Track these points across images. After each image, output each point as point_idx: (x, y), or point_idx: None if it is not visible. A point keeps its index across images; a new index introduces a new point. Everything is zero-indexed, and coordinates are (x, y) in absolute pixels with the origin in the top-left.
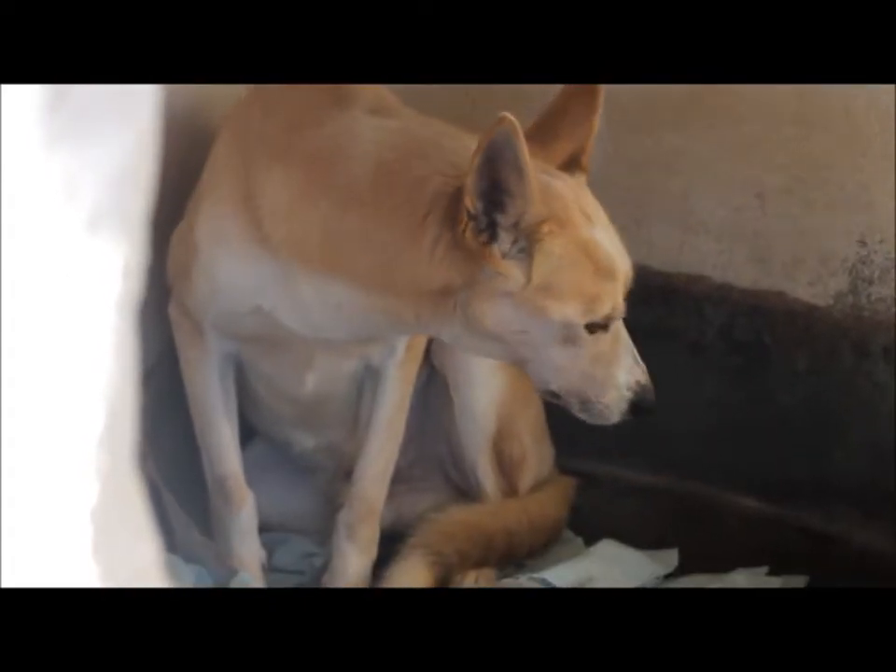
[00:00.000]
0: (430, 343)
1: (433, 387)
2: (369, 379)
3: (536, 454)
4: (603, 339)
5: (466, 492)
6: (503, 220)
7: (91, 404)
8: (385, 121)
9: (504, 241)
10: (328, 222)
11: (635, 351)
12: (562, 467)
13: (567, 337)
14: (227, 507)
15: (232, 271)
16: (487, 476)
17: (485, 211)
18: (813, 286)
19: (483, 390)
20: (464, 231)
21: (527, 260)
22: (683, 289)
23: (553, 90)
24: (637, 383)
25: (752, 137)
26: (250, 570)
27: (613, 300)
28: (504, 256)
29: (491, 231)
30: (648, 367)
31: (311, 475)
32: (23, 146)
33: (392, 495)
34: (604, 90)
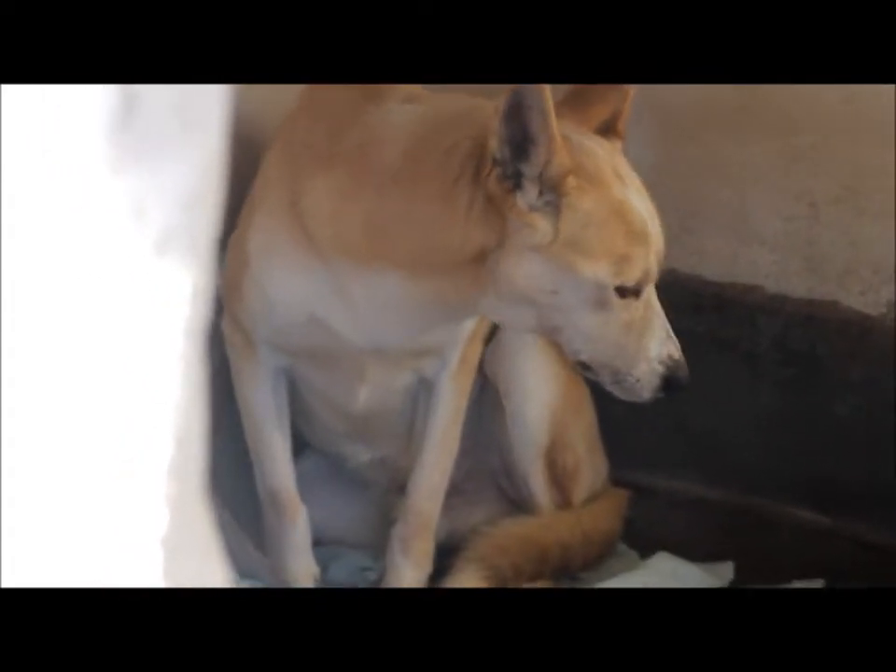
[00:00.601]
0: (483, 352)
1: (486, 398)
2: (422, 392)
3: (589, 465)
4: (634, 306)
5: (519, 504)
6: (528, 169)
7: (161, 431)
8: (417, 106)
9: (529, 191)
10: (369, 212)
11: (668, 324)
12: (616, 479)
13: (598, 300)
14: (280, 521)
15: (284, 281)
16: (540, 488)
17: (511, 160)
18: (865, 295)
19: (536, 400)
20: (488, 175)
21: (555, 214)
22: (737, 299)
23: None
24: (670, 357)
25: (803, 146)
26: (304, 585)
27: (645, 264)
28: (531, 208)
29: (516, 179)
30: (701, 377)
31: (364, 489)
32: (91, 167)
33: (446, 508)
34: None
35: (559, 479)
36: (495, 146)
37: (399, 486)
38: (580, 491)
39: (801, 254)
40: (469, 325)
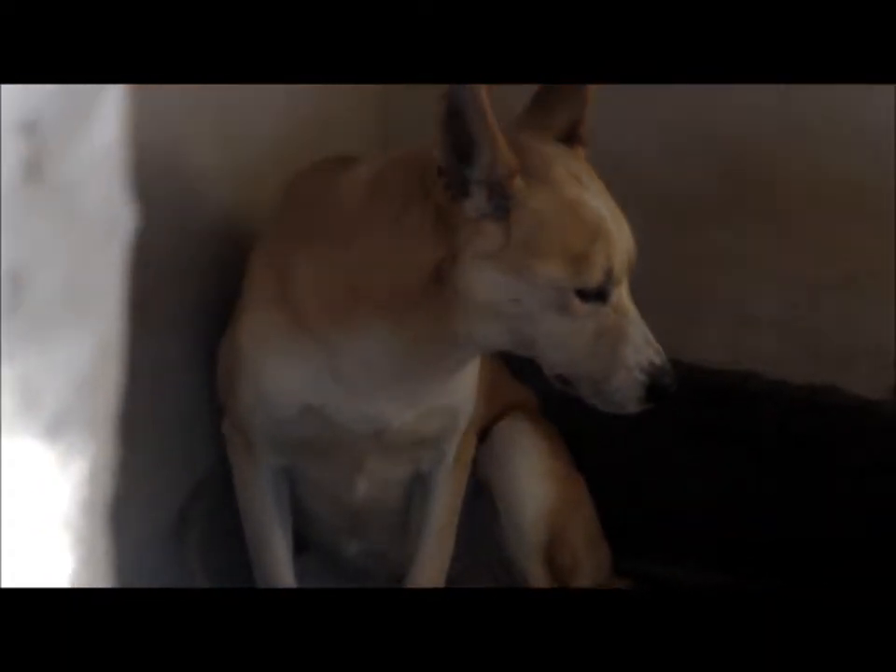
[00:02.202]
0: (476, 453)
1: (480, 498)
2: (418, 488)
3: (590, 559)
4: (603, 312)
5: None
6: (473, 174)
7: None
8: (377, 160)
9: (477, 196)
10: (345, 270)
11: (647, 330)
12: (619, 569)
13: (560, 304)
14: None
15: (277, 368)
16: (540, 586)
17: (457, 166)
18: (868, 380)
19: (531, 502)
20: (434, 185)
21: (505, 218)
22: (737, 387)
23: None
24: (652, 363)
25: (802, 231)
26: None
27: (606, 265)
28: (481, 215)
29: (464, 187)
30: (702, 464)
31: (361, 582)
32: None
33: None
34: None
35: (558, 576)
36: (439, 155)
37: (394, 579)
38: (580, 586)
39: (801, 340)
40: (465, 414)
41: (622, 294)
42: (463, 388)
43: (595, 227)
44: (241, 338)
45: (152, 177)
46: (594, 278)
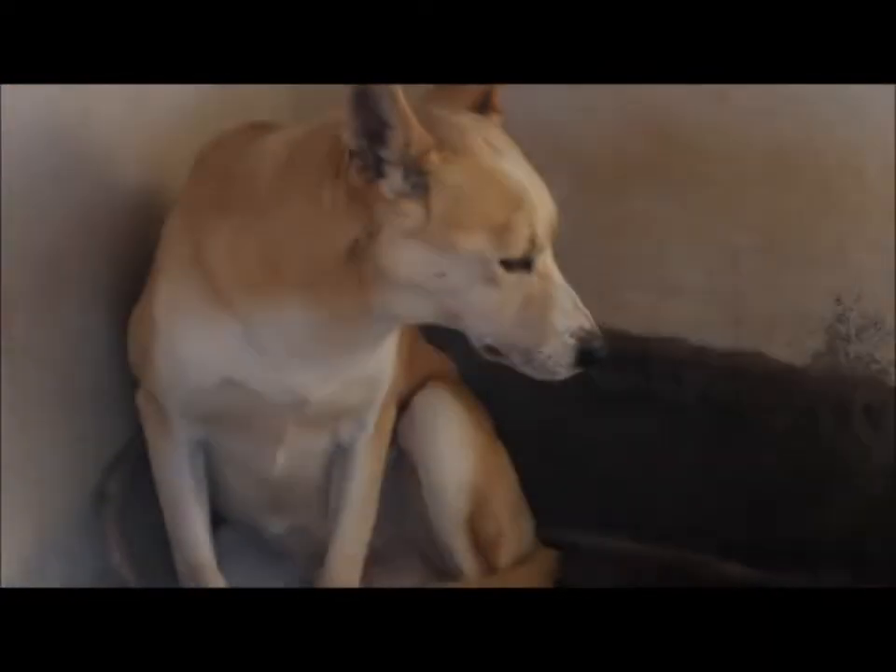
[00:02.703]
0: (397, 423)
1: (402, 468)
2: (338, 459)
3: (514, 529)
4: (528, 280)
5: (444, 572)
6: (387, 154)
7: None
8: (287, 130)
9: (393, 176)
10: (258, 240)
11: (574, 295)
12: (544, 537)
13: (485, 276)
14: None
15: (194, 340)
16: (464, 556)
17: (369, 148)
18: (790, 346)
19: (452, 471)
20: (348, 168)
21: (424, 195)
22: (660, 353)
23: None
24: (581, 328)
25: (723, 198)
26: None
27: (529, 233)
28: (398, 194)
29: (378, 168)
30: (626, 432)
31: (283, 559)
32: None
33: (367, 577)
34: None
35: (483, 547)
36: (347, 137)
37: (318, 556)
38: (504, 556)
39: (724, 306)
40: (384, 384)
41: (546, 261)
42: (382, 359)
43: (515, 196)
44: (155, 309)
45: (62, 147)
46: (518, 247)
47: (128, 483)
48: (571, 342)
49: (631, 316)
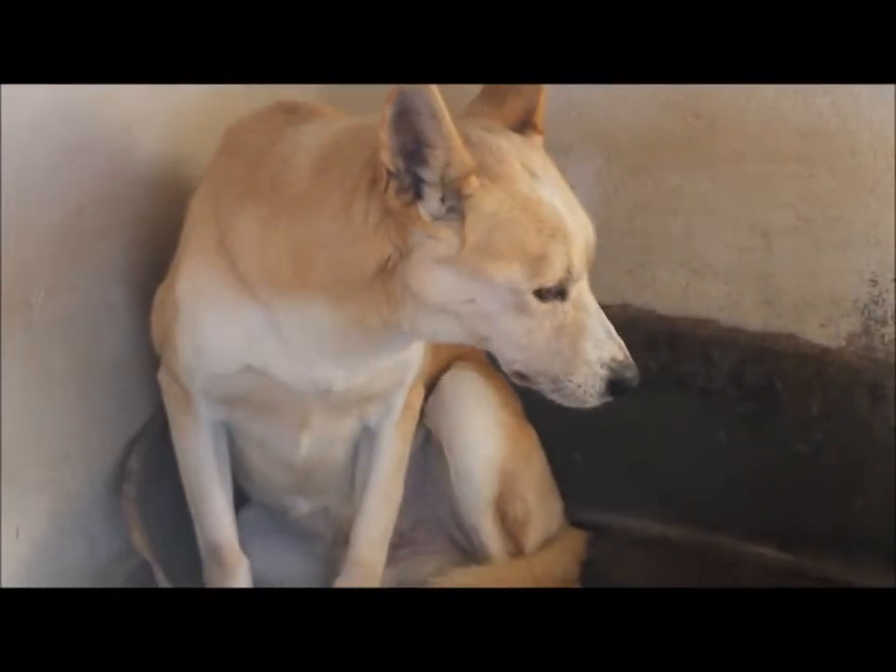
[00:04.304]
0: (424, 403)
1: (431, 447)
2: (365, 441)
3: (541, 511)
4: (562, 309)
5: (470, 554)
6: (427, 175)
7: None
8: (325, 125)
9: (431, 199)
10: (288, 238)
11: (608, 324)
12: (573, 519)
13: (518, 305)
14: (221, 575)
15: (217, 324)
16: (491, 538)
17: (408, 169)
18: (824, 327)
19: (480, 452)
20: (385, 189)
21: (460, 220)
22: (690, 334)
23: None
24: (613, 359)
25: (755, 177)
26: None
27: (565, 262)
28: (435, 217)
29: (416, 189)
30: (656, 413)
31: (308, 540)
32: None
33: (394, 559)
34: None
35: (510, 528)
36: (386, 158)
37: (343, 537)
38: (532, 538)
39: (755, 286)
40: (414, 369)
41: (581, 289)
42: (412, 344)
43: (551, 225)
44: (178, 291)
45: (81, 123)
46: (552, 277)
47: (148, 461)
48: (602, 372)
49: (661, 296)
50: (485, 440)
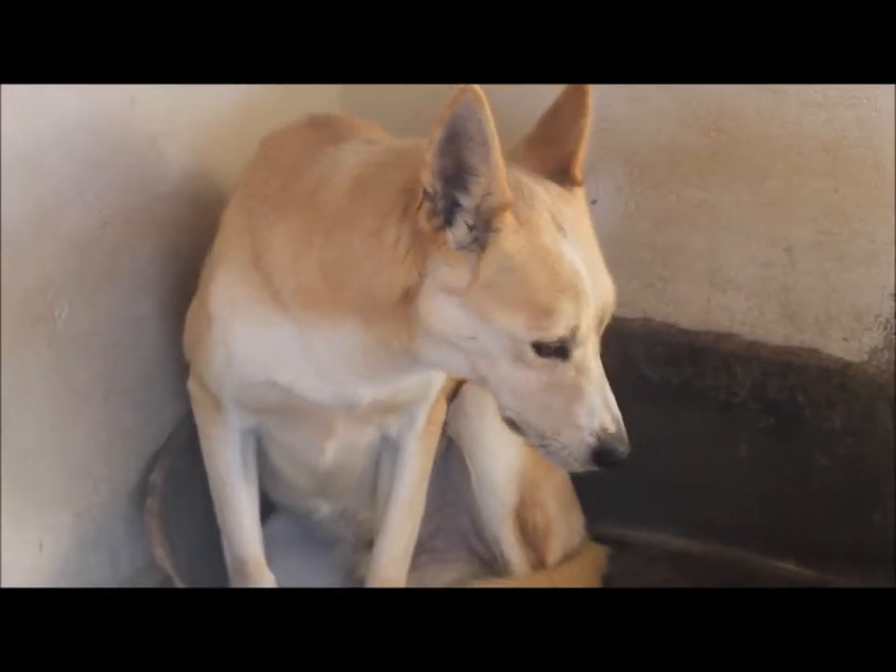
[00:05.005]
0: (447, 413)
1: (453, 456)
2: (387, 451)
3: (563, 522)
4: (563, 368)
5: (491, 564)
6: (465, 201)
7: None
8: (372, 145)
9: (460, 226)
10: (323, 256)
11: (609, 393)
12: (594, 533)
13: (516, 354)
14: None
15: (249, 337)
16: (512, 548)
17: (445, 193)
18: (847, 342)
19: (501, 460)
20: (418, 209)
21: (478, 254)
22: (712, 348)
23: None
24: (605, 430)
25: (778, 191)
26: None
27: (573, 321)
28: (458, 246)
29: (448, 215)
30: (678, 427)
31: (331, 547)
32: None
33: (415, 567)
34: (593, 90)
35: (531, 539)
36: (426, 179)
37: (365, 542)
38: (554, 550)
39: (777, 301)
40: (437, 383)
41: (587, 353)
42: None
43: (566, 282)
44: (212, 301)
45: (107, 135)
46: (554, 334)
47: (171, 475)
48: (590, 440)
49: (683, 310)
50: (507, 448)
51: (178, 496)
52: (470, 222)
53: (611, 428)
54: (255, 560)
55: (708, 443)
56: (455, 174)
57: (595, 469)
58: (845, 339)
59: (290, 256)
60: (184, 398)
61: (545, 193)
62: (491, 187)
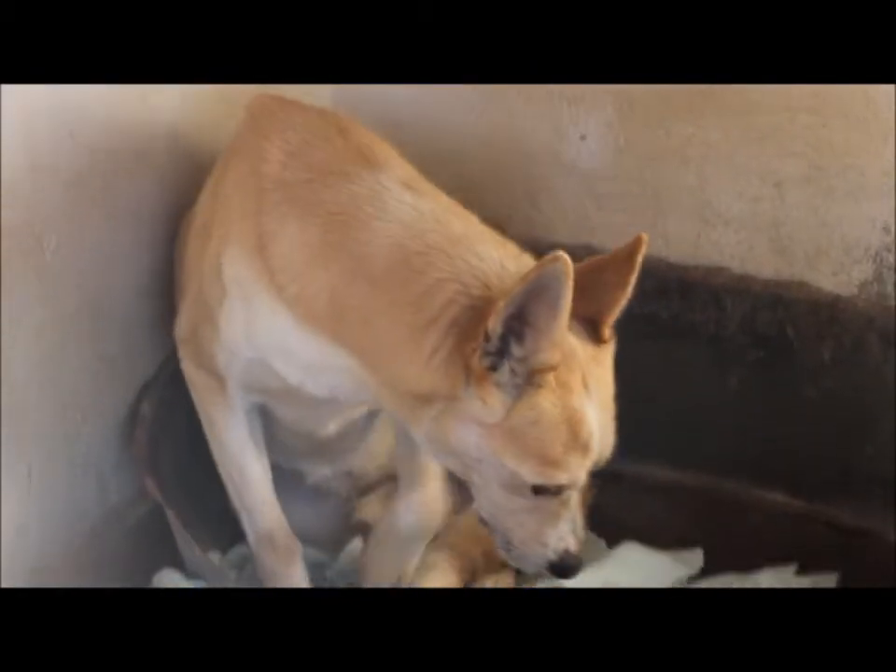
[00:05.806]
0: None
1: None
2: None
3: None
4: (549, 501)
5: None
6: (517, 351)
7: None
8: (417, 200)
9: (505, 372)
10: (336, 288)
11: (578, 520)
12: None
13: (514, 487)
14: (276, 560)
15: (254, 322)
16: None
17: (502, 337)
18: (836, 275)
19: None
20: (474, 350)
21: (513, 399)
22: (702, 282)
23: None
24: (567, 551)
25: (768, 126)
26: None
27: (575, 474)
28: (497, 385)
29: (498, 357)
30: (668, 360)
31: (322, 496)
32: None
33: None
34: (640, 262)
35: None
36: (494, 324)
37: (360, 493)
38: None
39: (768, 234)
40: None
41: (573, 493)
42: None
43: (580, 442)
44: (227, 273)
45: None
46: (556, 482)
47: (160, 406)
48: (552, 556)
49: (672, 244)
50: None
51: (167, 426)
52: (516, 370)
53: (573, 549)
54: (283, 530)
55: (698, 376)
56: (517, 323)
57: (543, 574)
58: (834, 273)
59: (299, 264)
60: (171, 331)
61: (581, 351)
62: (545, 346)
